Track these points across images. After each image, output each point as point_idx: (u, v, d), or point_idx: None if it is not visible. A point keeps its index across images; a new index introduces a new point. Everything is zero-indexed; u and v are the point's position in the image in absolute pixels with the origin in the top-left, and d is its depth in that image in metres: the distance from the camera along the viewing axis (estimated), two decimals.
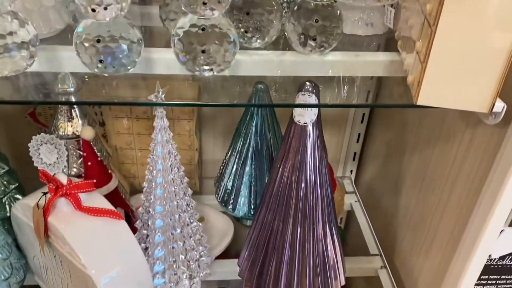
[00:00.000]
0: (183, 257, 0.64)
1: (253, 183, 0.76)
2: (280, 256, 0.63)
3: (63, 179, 0.55)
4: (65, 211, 0.55)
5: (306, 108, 0.55)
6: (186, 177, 0.62)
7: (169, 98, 0.54)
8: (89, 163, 0.65)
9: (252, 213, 0.78)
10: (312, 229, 0.61)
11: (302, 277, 0.63)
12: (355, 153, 0.96)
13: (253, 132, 0.73)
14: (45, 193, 0.55)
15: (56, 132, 0.70)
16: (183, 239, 0.63)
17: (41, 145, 0.71)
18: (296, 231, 0.61)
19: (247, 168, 0.75)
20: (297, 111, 0.55)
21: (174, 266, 0.64)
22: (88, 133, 0.64)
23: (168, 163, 0.58)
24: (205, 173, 0.96)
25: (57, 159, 0.71)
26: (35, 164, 0.72)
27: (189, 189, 0.63)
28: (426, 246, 0.69)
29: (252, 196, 0.77)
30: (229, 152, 0.78)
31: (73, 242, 0.53)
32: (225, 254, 0.78)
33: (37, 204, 0.54)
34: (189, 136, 0.84)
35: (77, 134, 0.70)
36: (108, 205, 0.57)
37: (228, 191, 0.78)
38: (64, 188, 0.54)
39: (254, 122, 0.72)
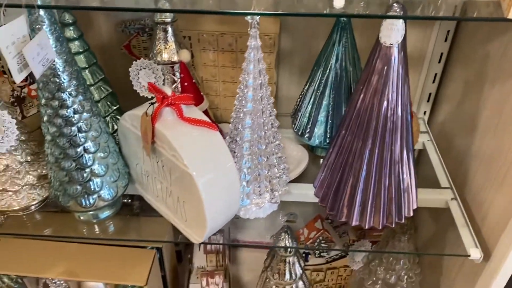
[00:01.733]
0: (266, 171, 0.70)
1: (330, 112, 0.80)
2: (357, 176, 0.67)
3: (168, 91, 0.62)
4: (169, 119, 0.62)
5: (393, 29, 0.57)
6: (272, 97, 0.67)
7: None
8: (186, 84, 0.71)
9: (327, 141, 0.82)
10: (390, 150, 0.65)
11: (377, 196, 0.68)
12: (430, 94, 0.96)
13: (334, 62, 0.76)
14: (152, 103, 0.62)
15: (154, 58, 0.77)
16: (267, 155, 0.69)
17: (140, 69, 0.79)
18: (374, 151, 0.65)
19: (326, 98, 0.79)
20: (383, 32, 0.58)
21: (258, 179, 0.70)
22: (185, 55, 0.71)
23: (258, 81, 0.63)
24: (279, 109, 1.01)
25: (154, 83, 0.79)
26: (134, 88, 0.80)
27: (274, 109, 0.68)
28: (499, 180, 0.71)
29: (329, 126, 0.81)
30: (307, 84, 0.82)
31: (177, 145, 0.60)
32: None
33: (146, 112, 0.62)
34: (268, 69, 0.89)
35: (172, 60, 0.77)
36: (205, 117, 0.64)
37: (305, 120, 0.83)
38: (170, 98, 0.61)
39: (336, 51, 0.75)
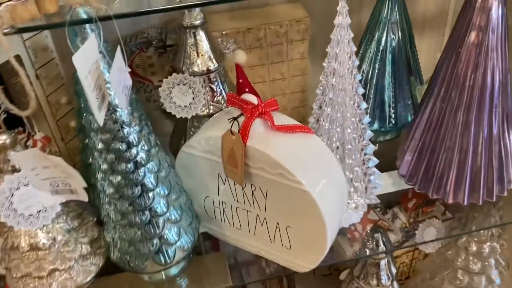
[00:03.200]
0: (360, 169, 0.61)
1: (392, 91, 0.72)
2: (465, 150, 0.60)
3: (253, 99, 0.50)
4: (260, 132, 0.51)
5: None
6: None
7: None
8: (247, 90, 0.60)
9: (392, 124, 0.74)
10: (499, 114, 0.58)
11: (489, 166, 0.61)
12: None
13: (389, 32, 0.68)
14: (235, 118, 0.51)
15: (188, 70, 0.65)
16: (359, 149, 0.60)
17: (173, 87, 0.67)
18: (483, 119, 0.58)
19: (386, 76, 0.71)
20: None
21: (354, 179, 0.61)
22: (242, 56, 0.59)
23: (347, 67, 0.54)
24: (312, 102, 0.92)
25: (193, 99, 0.67)
26: (168, 110, 0.67)
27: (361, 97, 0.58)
28: None
29: (392, 106, 0.73)
30: None
31: (284, 161, 0.49)
32: None
33: (230, 131, 0.50)
34: (301, 59, 0.79)
35: (210, 68, 0.65)
36: (294, 121, 0.54)
37: None
38: (260, 107, 0.50)
39: (389, 21, 0.68)
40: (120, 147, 0.47)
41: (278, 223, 0.56)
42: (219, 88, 0.67)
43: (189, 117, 0.66)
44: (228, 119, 0.51)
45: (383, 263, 0.72)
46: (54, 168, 0.44)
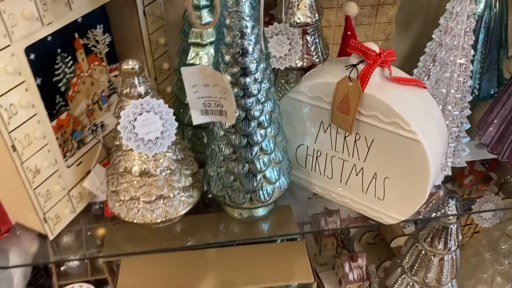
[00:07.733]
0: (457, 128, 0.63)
1: (480, 62, 0.73)
2: None
3: (375, 47, 0.52)
4: (378, 81, 0.53)
5: None
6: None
7: None
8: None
9: (475, 94, 0.75)
10: None
11: None
12: None
13: (485, 3, 0.69)
14: (354, 65, 0.52)
15: (290, 20, 0.66)
16: (458, 110, 0.61)
17: (271, 37, 0.68)
18: None
19: (478, 46, 0.72)
20: None
21: (449, 140, 0.63)
22: (353, 9, 0.60)
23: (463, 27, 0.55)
24: None
25: (289, 50, 0.68)
26: None
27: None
28: None
29: (478, 77, 0.74)
30: None
31: (400, 111, 0.51)
32: None
33: (349, 77, 0.52)
34: (389, 23, 0.80)
35: (309, 21, 0.67)
36: (406, 74, 0.55)
37: None
38: (383, 56, 0.51)
39: None
40: (248, 80, 0.49)
41: (376, 173, 0.58)
42: (315, 41, 0.69)
43: (282, 68, 0.68)
44: (346, 66, 0.53)
45: (453, 227, 0.74)
46: (212, 87, 0.46)
